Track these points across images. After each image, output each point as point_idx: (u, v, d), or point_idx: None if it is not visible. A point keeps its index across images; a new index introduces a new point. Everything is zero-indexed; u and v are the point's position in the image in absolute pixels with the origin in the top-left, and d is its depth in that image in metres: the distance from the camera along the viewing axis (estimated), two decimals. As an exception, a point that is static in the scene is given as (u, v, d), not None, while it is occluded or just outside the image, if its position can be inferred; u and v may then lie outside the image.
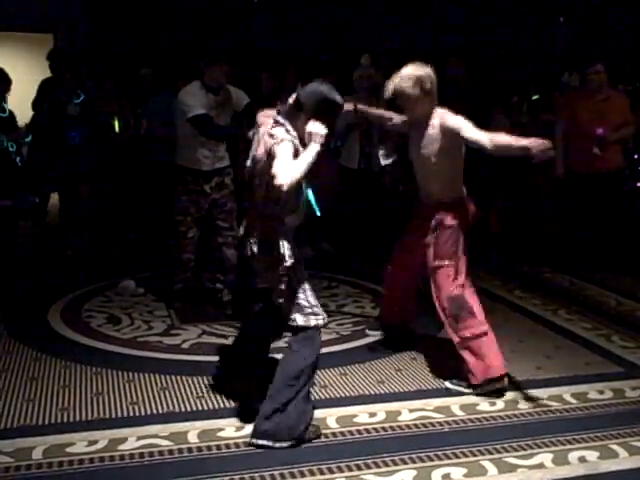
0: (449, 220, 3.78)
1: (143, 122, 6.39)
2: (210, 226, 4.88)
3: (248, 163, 3.30)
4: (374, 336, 4.45)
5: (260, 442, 3.09)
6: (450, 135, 3.69)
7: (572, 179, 6.04)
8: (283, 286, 3.15)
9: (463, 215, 3.82)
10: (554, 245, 6.57)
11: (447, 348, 4.24)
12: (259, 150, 3.18)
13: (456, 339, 3.75)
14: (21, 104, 6.39)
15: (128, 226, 6.83)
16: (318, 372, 3.85)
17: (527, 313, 5.05)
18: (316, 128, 3.08)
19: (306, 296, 3.20)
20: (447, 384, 3.79)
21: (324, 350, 4.20)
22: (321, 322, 3.22)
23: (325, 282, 5.69)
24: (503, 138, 3.59)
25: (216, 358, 4.01)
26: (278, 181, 2.91)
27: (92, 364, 3.96)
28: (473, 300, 3.78)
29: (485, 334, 3.71)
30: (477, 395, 3.64)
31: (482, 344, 3.70)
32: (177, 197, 4.82)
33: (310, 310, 3.18)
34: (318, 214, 3.28)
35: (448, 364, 4.04)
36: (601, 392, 3.74)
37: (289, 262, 3.13)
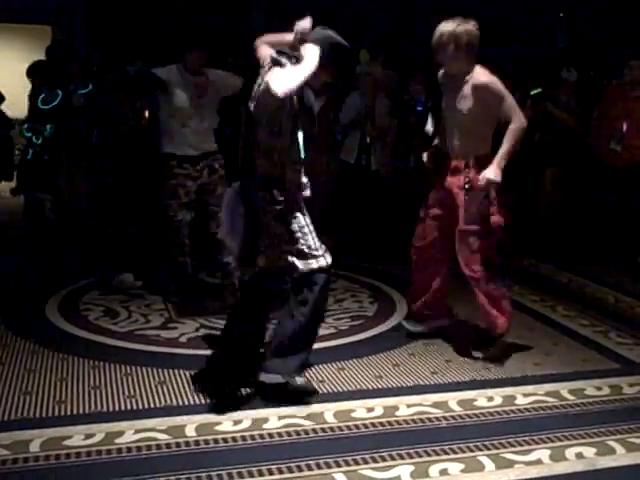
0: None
1: (144, 114, 6.37)
2: (204, 212, 4.89)
3: (251, 106, 3.35)
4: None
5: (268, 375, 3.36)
6: (484, 96, 3.75)
7: (601, 171, 6.10)
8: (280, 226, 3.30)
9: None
10: (553, 240, 6.57)
11: (445, 344, 4.26)
12: (262, 91, 3.22)
13: (484, 298, 3.96)
14: (20, 96, 6.37)
15: (128, 219, 6.79)
16: (315, 367, 3.86)
17: (525, 309, 5.04)
18: (311, 48, 3.15)
19: (306, 240, 3.32)
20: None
21: (322, 345, 4.23)
22: (323, 264, 3.33)
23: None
24: (516, 134, 3.74)
25: (214, 352, 4.01)
26: (273, 88, 2.98)
27: (89, 357, 3.96)
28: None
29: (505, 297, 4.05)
30: (474, 389, 3.66)
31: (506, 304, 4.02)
32: (165, 181, 4.83)
33: (311, 253, 3.32)
34: (301, 156, 3.36)
35: (446, 360, 4.06)
36: (598, 388, 3.74)
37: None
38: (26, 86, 6.38)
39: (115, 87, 6.09)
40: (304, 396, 3.43)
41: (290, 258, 3.34)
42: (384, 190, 6.60)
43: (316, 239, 3.39)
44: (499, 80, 3.83)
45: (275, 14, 9.20)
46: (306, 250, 3.34)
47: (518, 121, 3.76)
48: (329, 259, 3.41)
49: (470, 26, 3.79)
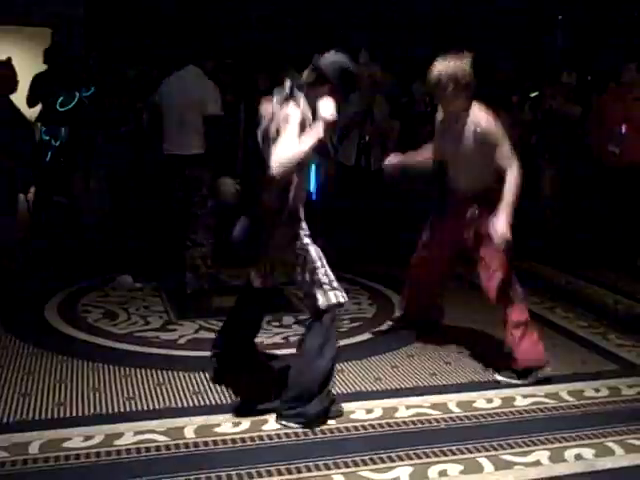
0: (489, 209, 3.78)
1: (144, 116, 6.38)
2: None
3: (259, 136, 3.29)
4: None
5: (288, 423, 3.20)
6: (484, 140, 3.71)
7: (602, 173, 6.11)
8: (299, 262, 3.21)
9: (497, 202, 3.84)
10: (553, 242, 6.58)
11: (444, 346, 4.27)
12: (272, 128, 3.14)
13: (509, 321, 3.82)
14: (20, 97, 6.35)
15: (128, 220, 6.80)
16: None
17: (524, 311, 5.04)
18: (326, 110, 3.05)
19: (325, 272, 3.21)
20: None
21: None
22: (342, 300, 3.22)
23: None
24: (516, 182, 3.65)
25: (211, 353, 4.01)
26: (271, 166, 2.94)
27: (88, 359, 3.95)
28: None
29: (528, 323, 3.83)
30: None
31: (529, 332, 3.80)
32: (192, 180, 5.04)
33: (329, 287, 3.19)
34: (311, 190, 3.30)
35: (445, 362, 4.06)
36: (597, 390, 3.75)
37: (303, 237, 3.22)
38: (25, 88, 6.38)
39: (115, 89, 6.11)
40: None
41: (311, 290, 3.20)
42: (388, 192, 6.60)
43: (329, 270, 3.26)
44: (494, 117, 3.77)
45: (275, 15, 9.21)
46: (325, 281, 3.19)
47: (514, 170, 3.67)
48: (345, 296, 3.27)
49: (466, 63, 3.71)
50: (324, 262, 3.23)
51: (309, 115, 3.12)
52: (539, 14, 9.79)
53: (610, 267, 6.06)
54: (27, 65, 6.43)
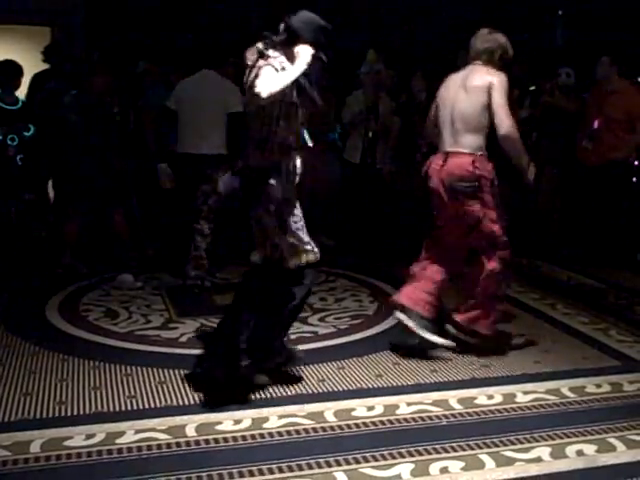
0: (485, 175, 3.93)
1: (148, 113, 6.38)
2: None
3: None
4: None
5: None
6: (483, 87, 3.89)
7: (580, 171, 6.08)
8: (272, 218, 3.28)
9: (489, 168, 3.98)
10: (552, 239, 6.57)
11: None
12: (250, 77, 3.24)
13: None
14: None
15: (128, 220, 6.79)
16: (316, 366, 3.87)
17: (525, 307, 5.05)
18: (305, 49, 3.16)
19: (297, 234, 3.33)
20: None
21: (322, 344, 4.24)
22: (312, 257, 3.35)
23: (323, 276, 5.68)
24: (518, 138, 3.87)
25: (209, 350, 4.01)
26: (256, 89, 3.03)
27: (90, 358, 3.96)
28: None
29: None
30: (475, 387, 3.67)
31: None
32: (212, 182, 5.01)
33: (301, 247, 3.32)
34: (309, 144, 3.32)
35: (446, 357, 4.06)
36: (599, 386, 3.74)
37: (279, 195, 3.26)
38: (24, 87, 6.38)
39: (106, 88, 6.07)
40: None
41: (280, 251, 3.35)
42: (388, 189, 6.60)
43: (306, 232, 3.42)
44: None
45: (275, 14, 9.20)
46: (297, 243, 3.36)
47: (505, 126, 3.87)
48: (318, 253, 3.45)
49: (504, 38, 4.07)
50: (298, 225, 3.34)
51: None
52: (539, 9, 9.77)
53: (611, 262, 6.05)
54: (27, 65, 6.42)
